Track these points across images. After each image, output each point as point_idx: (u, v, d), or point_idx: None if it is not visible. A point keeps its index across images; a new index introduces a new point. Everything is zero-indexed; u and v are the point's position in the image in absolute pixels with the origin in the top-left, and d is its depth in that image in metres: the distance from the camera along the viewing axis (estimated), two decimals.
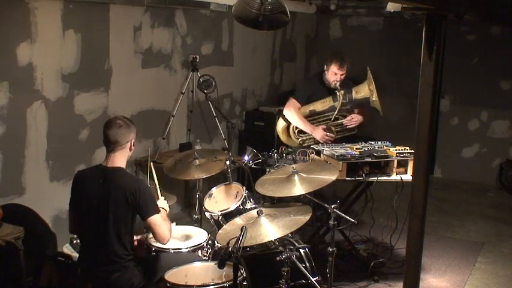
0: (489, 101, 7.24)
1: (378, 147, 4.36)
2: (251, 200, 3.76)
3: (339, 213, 3.42)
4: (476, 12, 3.16)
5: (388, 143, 4.47)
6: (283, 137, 4.96)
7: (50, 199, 4.37)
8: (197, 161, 4.08)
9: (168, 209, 3.43)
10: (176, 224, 3.79)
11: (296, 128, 4.87)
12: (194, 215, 4.30)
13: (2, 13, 3.89)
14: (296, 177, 3.53)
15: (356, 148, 4.30)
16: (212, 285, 2.93)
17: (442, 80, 7.24)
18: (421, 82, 2.89)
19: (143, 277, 3.15)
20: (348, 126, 4.80)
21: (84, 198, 3.13)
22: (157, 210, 3.14)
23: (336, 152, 4.15)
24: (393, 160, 4.16)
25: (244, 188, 3.82)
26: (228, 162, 3.92)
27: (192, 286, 2.96)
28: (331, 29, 8.19)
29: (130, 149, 3.18)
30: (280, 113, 5.03)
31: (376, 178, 4.14)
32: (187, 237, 3.61)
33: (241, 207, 3.66)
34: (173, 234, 3.29)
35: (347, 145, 4.41)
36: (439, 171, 7.58)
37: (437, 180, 7.21)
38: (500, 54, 7.05)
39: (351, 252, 4.66)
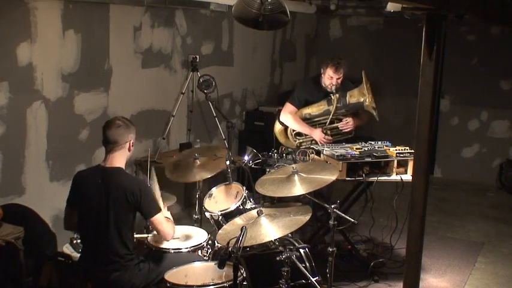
0: (489, 101, 7.24)
1: (378, 147, 4.36)
2: (251, 200, 3.76)
3: (339, 213, 3.42)
4: (476, 12, 3.16)
5: (388, 143, 4.47)
6: (281, 139, 4.97)
7: (50, 199, 4.37)
8: (198, 161, 4.08)
9: (171, 218, 3.44)
10: (176, 224, 3.78)
11: (293, 130, 4.88)
12: (194, 215, 4.29)
13: (2, 13, 3.89)
14: (296, 177, 3.53)
15: (356, 148, 4.30)
16: (212, 285, 2.94)
17: (442, 80, 7.24)
18: (421, 82, 2.89)
19: (143, 277, 3.16)
20: (343, 130, 4.79)
21: (84, 198, 3.13)
22: (159, 209, 3.15)
23: (336, 152, 4.15)
24: (393, 160, 4.16)
25: (244, 188, 3.82)
26: (228, 162, 3.92)
27: (192, 286, 2.97)
28: (331, 29, 8.19)
29: (129, 150, 3.18)
30: (277, 119, 5.02)
31: (376, 178, 4.14)
32: (187, 237, 3.61)
33: (241, 207, 3.66)
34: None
35: (347, 145, 4.42)
36: (439, 171, 7.58)
37: (437, 180, 7.21)
38: (500, 54, 7.05)
39: (351, 252, 4.66)
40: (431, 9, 2.76)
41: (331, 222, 3.41)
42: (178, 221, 3.63)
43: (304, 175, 3.55)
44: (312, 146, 4.43)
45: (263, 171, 4.16)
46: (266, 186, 3.56)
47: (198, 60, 5.61)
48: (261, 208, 3.34)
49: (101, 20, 4.68)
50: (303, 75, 8.12)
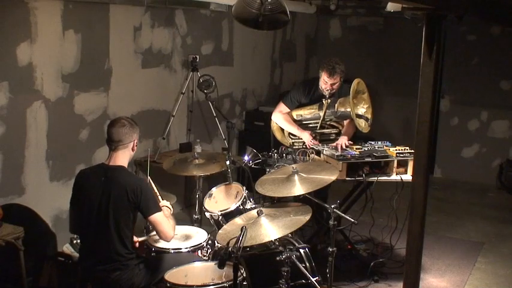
0: (489, 101, 7.24)
1: (378, 147, 4.36)
2: (251, 200, 3.76)
3: (339, 213, 3.42)
4: (476, 12, 3.17)
5: (388, 143, 4.47)
6: (278, 135, 4.93)
7: (50, 199, 4.37)
8: (196, 161, 4.08)
9: (171, 208, 3.44)
10: (176, 224, 3.78)
11: None
12: (194, 215, 4.30)
13: (2, 13, 3.89)
14: (296, 177, 3.53)
15: (356, 148, 4.30)
16: (212, 285, 2.93)
17: (442, 80, 7.24)
18: (421, 82, 2.89)
19: (143, 277, 3.16)
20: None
21: (86, 197, 3.13)
22: (159, 209, 3.15)
23: (336, 152, 4.15)
24: (393, 160, 4.16)
25: (244, 188, 3.82)
26: (228, 162, 3.92)
27: (192, 286, 2.97)
28: (331, 29, 8.19)
29: (132, 149, 3.20)
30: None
31: (376, 178, 4.14)
32: (187, 237, 3.61)
33: (241, 207, 3.66)
34: None
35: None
36: (439, 171, 7.58)
37: (437, 180, 7.21)
38: (500, 54, 7.04)
39: (351, 252, 4.66)
40: (431, 9, 2.76)
41: (331, 222, 3.41)
42: (178, 221, 3.63)
43: (304, 175, 3.55)
44: (312, 146, 4.43)
45: (263, 171, 4.16)
46: (266, 186, 3.56)
47: (198, 60, 5.61)
48: (261, 208, 3.34)
49: (101, 20, 4.68)
50: (303, 75, 8.12)
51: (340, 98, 4.55)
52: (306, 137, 4.61)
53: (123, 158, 3.16)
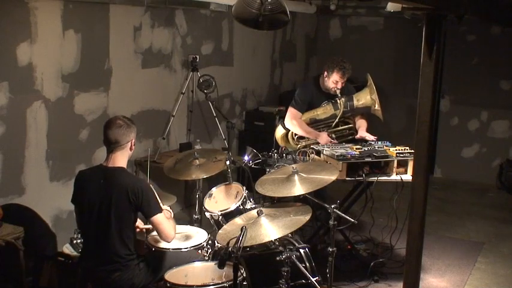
0: (489, 101, 7.24)
1: (378, 147, 4.37)
2: (251, 200, 3.75)
3: (339, 213, 3.42)
4: (476, 12, 3.17)
5: (388, 143, 4.47)
6: (281, 143, 4.94)
7: (50, 199, 4.37)
8: (197, 161, 4.08)
9: (172, 212, 3.45)
10: (176, 224, 3.79)
11: (295, 134, 4.85)
12: (194, 215, 4.30)
13: (2, 13, 3.89)
14: (296, 177, 3.53)
15: (356, 148, 4.30)
16: (212, 285, 2.94)
17: (442, 80, 7.24)
18: (421, 82, 2.89)
19: (143, 277, 3.16)
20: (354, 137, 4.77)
21: (86, 198, 3.13)
22: (160, 209, 3.15)
23: (336, 152, 4.15)
24: (393, 160, 4.16)
25: (244, 188, 3.81)
26: (228, 162, 3.92)
27: (192, 286, 2.97)
28: (331, 29, 8.19)
29: (130, 149, 3.18)
30: (280, 114, 5.01)
31: (376, 178, 4.14)
32: (187, 237, 3.61)
33: (241, 207, 3.65)
34: None
35: (347, 145, 4.42)
36: (439, 171, 7.58)
37: (437, 180, 7.21)
38: (500, 54, 7.04)
39: (351, 252, 4.66)
40: (431, 9, 2.76)
41: (331, 222, 3.41)
42: (178, 221, 3.64)
43: (304, 175, 3.55)
44: (312, 146, 4.43)
45: (263, 171, 4.16)
46: (266, 186, 3.56)
47: (198, 60, 5.61)
48: (261, 208, 3.34)
49: (101, 20, 4.68)
50: (303, 75, 8.12)
51: (349, 95, 4.72)
52: (324, 139, 4.64)
53: (121, 158, 3.14)
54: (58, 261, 3.64)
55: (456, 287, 4.38)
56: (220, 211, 3.66)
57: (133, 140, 3.17)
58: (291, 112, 4.81)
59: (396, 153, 4.17)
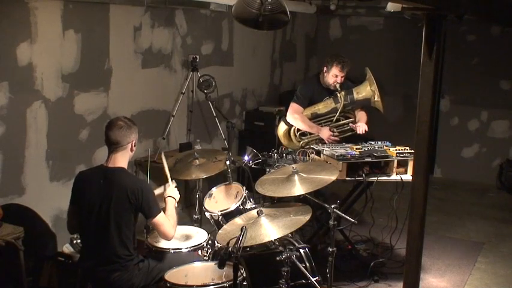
0: (489, 101, 7.24)
1: (378, 147, 4.37)
2: (251, 200, 3.75)
3: (339, 213, 3.42)
4: (476, 12, 3.16)
5: (388, 143, 4.47)
6: (284, 141, 4.97)
7: (50, 199, 4.37)
8: (197, 161, 4.08)
9: (178, 197, 3.41)
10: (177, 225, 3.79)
11: (298, 130, 4.87)
12: (194, 215, 4.30)
13: (2, 13, 3.89)
14: (296, 177, 3.53)
15: (356, 148, 4.30)
16: (212, 285, 2.94)
17: (442, 80, 7.24)
18: (421, 82, 2.89)
19: (143, 277, 3.15)
20: (358, 132, 4.79)
21: (86, 198, 3.13)
22: (160, 210, 3.16)
23: (336, 152, 4.15)
24: (393, 160, 4.16)
25: (244, 188, 3.81)
26: (228, 162, 3.92)
27: (192, 286, 2.97)
28: (331, 29, 8.19)
29: (131, 150, 3.18)
30: (280, 114, 5.04)
31: (376, 178, 4.14)
32: (187, 237, 3.61)
33: (241, 207, 3.65)
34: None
35: (347, 145, 4.42)
36: (439, 171, 7.58)
37: (437, 180, 7.21)
38: (500, 54, 7.04)
39: (351, 252, 4.66)
40: (431, 9, 2.76)
41: (331, 222, 3.41)
42: (178, 221, 3.64)
43: (304, 175, 3.55)
44: (312, 146, 4.43)
45: (263, 171, 4.16)
46: (266, 186, 3.56)
47: (198, 60, 5.61)
48: (261, 208, 3.34)
49: (101, 20, 4.68)
50: (302, 75, 8.11)
51: (348, 89, 4.80)
52: (325, 134, 4.71)
53: (122, 159, 3.15)
54: (58, 261, 3.64)
55: (456, 287, 4.38)
56: (220, 211, 3.66)
57: (134, 141, 3.18)
58: (293, 107, 4.86)
59: (396, 153, 4.17)
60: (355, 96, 4.74)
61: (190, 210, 5.44)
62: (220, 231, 3.34)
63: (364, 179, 4.10)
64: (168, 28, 5.44)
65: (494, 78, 7.15)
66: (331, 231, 3.44)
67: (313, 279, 3.31)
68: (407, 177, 4.08)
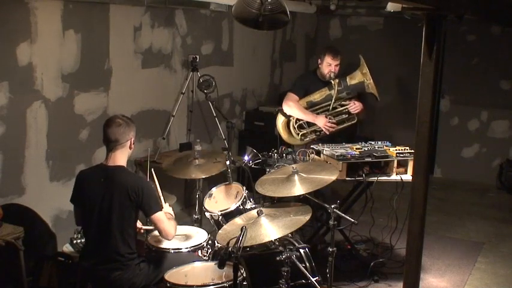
0: (489, 101, 7.24)
1: (378, 147, 4.37)
2: (251, 200, 3.76)
3: (339, 213, 3.42)
4: (476, 12, 3.17)
5: (388, 143, 4.47)
6: (284, 135, 4.97)
7: (50, 199, 4.37)
8: (197, 161, 4.08)
9: (173, 214, 3.46)
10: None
11: (296, 122, 4.89)
12: (194, 215, 4.30)
13: (2, 13, 3.89)
14: (296, 177, 3.53)
15: (356, 148, 4.30)
16: (212, 285, 2.94)
17: (442, 80, 7.24)
18: (421, 82, 2.89)
19: (144, 277, 3.16)
20: (351, 111, 4.82)
21: (87, 197, 3.14)
22: (160, 207, 3.17)
23: (336, 152, 4.15)
24: (393, 160, 4.16)
25: (244, 188, 3.82)
26: (228, 162, 3.92)
27: (192, 286, 2.97)
28: (331, 29, 8.19)
29: (130, 147, 3.19)
30: (280, 111, 5.04)
31: (376, 178, 4.14)
32: (187, 237, 3.61)
33: (241, 207, 3.65)
34: None
35: (347, 145, 4.42)
36: (439, 171, 7.57)
37: (437, 180, 7.21)
38: (500, 54, 7.04)
39: (351, 252, 4.66)
40: (431, 9, 2.76)
41: (331, 222, 3.41)
42: (178, 221, 3.65)
43: (304, 175, 3.55)
44: (312, 146, 4.43)
45: (263, 171, 4.16)
46: (266, 186, 3.56)
47: (198, 60, 5.60)
48: (261, 208, 3.34)
49: (101, 20, 4.68)
50: None
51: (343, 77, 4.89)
52: (321, 121, 4.77)
53: (121, 157, 3.15)
54: (58, 261, 3.64)
55: (456, 287, 4.38)
56: (220, 211, 3.66)
57: (132, 139, 3.19)
58: (288, 95, 4.96)
59: (396, 153, 4.17)
60: (349, 81, 4.81)
61: (190, 210, 5.44)
62: (220, 231, 3.34)
63: (364, 179, 4.10)
64: (168, 28, 5.44)
65: (494, 78, 7.14)
66: (331, 231, 3.44)
67: (313, 279, 3.31)
68: (407, 177, 4.08)
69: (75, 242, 3.73)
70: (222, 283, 2.93)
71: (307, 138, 4.84)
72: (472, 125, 7.40)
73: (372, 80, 4.71)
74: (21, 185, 4.17)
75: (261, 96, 7.19)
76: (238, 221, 3.33)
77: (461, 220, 5.92)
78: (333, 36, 8.18)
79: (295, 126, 4.90)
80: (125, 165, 3.19)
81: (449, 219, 5.93)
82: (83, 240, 3.53)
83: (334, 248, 3.45)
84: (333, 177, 3.54)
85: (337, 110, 4.85)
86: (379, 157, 4.14)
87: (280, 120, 5.00)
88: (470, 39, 7.22)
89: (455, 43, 7.04)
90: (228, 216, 3.59)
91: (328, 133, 4.77)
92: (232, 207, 3.66)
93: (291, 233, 3.48)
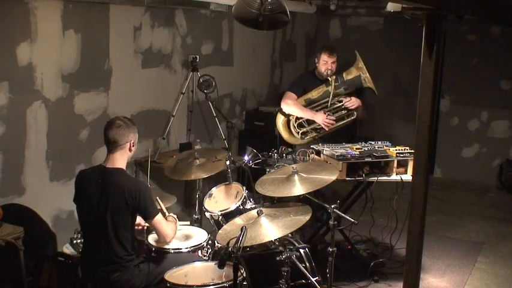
0: (489, 101, 7.24)
1: (378, 147, 4.37)
2: (251, 200, 3.76)
3: (339, 213, 3.42)
4: (476, 12, 3.17)
5: (388, 143, 4.47)
6: (285, 135, 4.96)
7: (50, 199, 4.37)
8: (197, 161, 4.08)
9: (177, 220, 3.49)
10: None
11: (296, 121, 4.88)
12: (194, 215, 4.30)
13: (2, 13, 3.89)
14: (296, 177, 3.53)
15: (356, 148, 4.30)
16: (212, 285, 2.93)
17: (442, 80, 7.24)
18: (421, 82, 2.89)
19: (143, 277, 3.15)
20: (348, 107, 4.80)
21: (85, 198, 3.14)
22: (158, 211, 3.17)
23: (336, 152, 4.15)
24: (393, 160, 4.16)
25: (244, 188, 3.81)
26: (228, 162, 3.92)
27: (192, 286, 2.97)
28: (331, 29, 8.19)
29: (130, 150, 3.17)
30: (279, 111, 5.04)
31: (376, 178, 4.14)
32: (187, 237, 3.61)
33: (241, 207, 3.65)
34: None
35: (347, 145, 4.42)
36: (439, 171, 7.58)
37: (437, 180, 7.21)
38: (500, 54, 7.04)
39: (351, 252, 4.66)
40: (431, 9, 2.76)
41: (331, 222, 3.41)
42: (178, 221, 3.67)
43: (304, 175, 3.55)
44: (312, 146, 4.43)
45: (263, 171, 4.16)
46: (266, 186, 3.56)
47: (198, 60, 5.60)
48: (261, 208, 3.34)
49: (101, 20, 4.68)
50: None
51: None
52: (320, 117, 4.77)
53: (121, 159, 3.14)
54: (58, 261, 3.64)
55: (456, 287, 4.39)
56: (220, 211, 3.66)
57: (132, 141, 3.16)
58: (286, 94, 4.97)
59: (396, 153, 4.17)
60: (345, 77, 4.82)
61: (190, 210, 5.44)
62: (220, 231, 3.34)
63: (364, 179, 4.10)
64: (168, 28, 5.44)
65: (494, 78, 7.15)
66: (331, 231, 3.44)
67: (313, 279, 3.31)
68: (407, 177, 4.08)
69: (75, 242, 3.73)
70: (222, 283, 2.93)
71: (308, 137, 4.83)
72: (472, 125, 7.40)
73: (367, 74, 4.72)
74: (21, 185, 4.17)
75: (261, 96, 7.19)
76: (238, 221, 3.33)
77: (461, 220, 5.92)
78: (333, 36, 8.18)
79: (295, 125, 4.89)
80: (124, 168, 3.17)
81: (449, 219, 5.93)
82: (83, 240, 3.53)
83: (334, 248, 3.45)
84: (333, 177, 3.54)
85: (335, 106, 4.85)
86: (379, 157, 4.15)
87: (280, 119, 5.00)
88: (470, 39, 7.22)
89: (455, 43, 7.04)
90: (228, 216, 3.59)
91: (327, 129, 4.76)
92: (232, 207, 3.66)
93: (291, 233, 3.48)
